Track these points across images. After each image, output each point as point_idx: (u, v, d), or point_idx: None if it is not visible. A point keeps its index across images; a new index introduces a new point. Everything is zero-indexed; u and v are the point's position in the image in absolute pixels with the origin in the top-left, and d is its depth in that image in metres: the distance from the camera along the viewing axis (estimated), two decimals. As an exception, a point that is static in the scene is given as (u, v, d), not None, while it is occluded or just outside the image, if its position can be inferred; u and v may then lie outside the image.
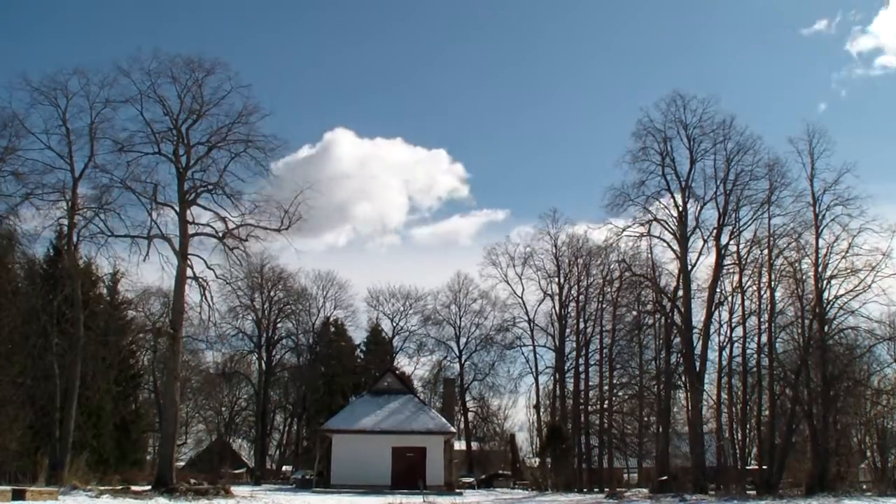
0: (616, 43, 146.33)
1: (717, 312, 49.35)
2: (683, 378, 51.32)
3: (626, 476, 68.44)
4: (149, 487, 35.36)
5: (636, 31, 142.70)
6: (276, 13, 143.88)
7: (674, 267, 49.03)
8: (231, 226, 39.02)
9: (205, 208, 39.77)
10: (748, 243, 47.37)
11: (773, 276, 46.35)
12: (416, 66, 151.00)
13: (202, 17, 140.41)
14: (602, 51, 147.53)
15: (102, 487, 32.40)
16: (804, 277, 45.65)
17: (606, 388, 59.86)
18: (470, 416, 70.81)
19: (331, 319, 72.59)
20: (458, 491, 46.74)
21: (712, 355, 49.59)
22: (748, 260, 47.65)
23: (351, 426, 48.27)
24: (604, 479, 57.55)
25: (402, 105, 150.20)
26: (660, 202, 47.34)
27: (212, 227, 39.33)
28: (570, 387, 61.23)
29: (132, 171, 38.12)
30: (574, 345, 61.51)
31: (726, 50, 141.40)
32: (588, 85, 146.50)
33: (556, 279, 62.08)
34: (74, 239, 38.65)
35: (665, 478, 47.31)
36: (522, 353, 66.24)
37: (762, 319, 47.13)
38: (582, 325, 61.18)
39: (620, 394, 61.68)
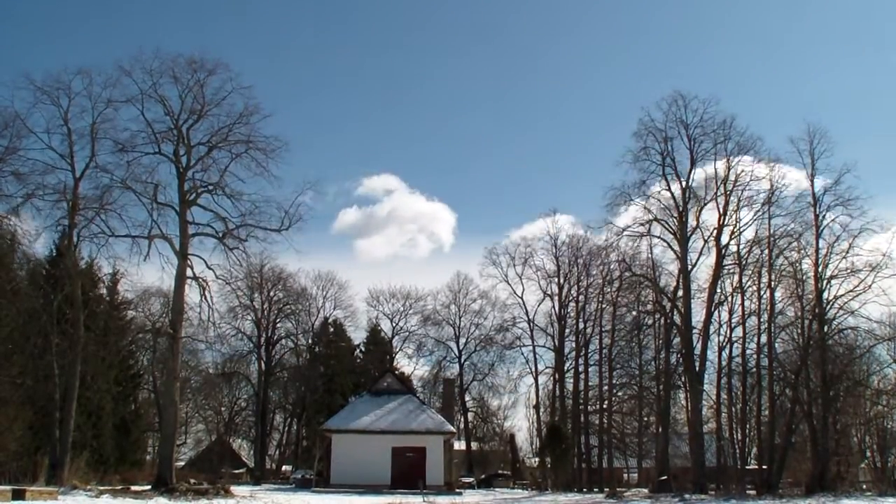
0: (617, 43, 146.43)
1: (716, 312, 49.59)
2: (683, 378, 51.35)
3: (625, 476, 68.50)
4: (149, 487, 35.30)
5: (637, 32, 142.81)
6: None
7: (674, 267, 49.14)
8: (231, 226, 39.08)
9: (205, 208, 39.81)
10: (748, 243, 47.49)
11: (773, 277, 46.41)
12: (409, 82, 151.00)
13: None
14: (603, 51, 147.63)
15: (102, 487, 32.37)
16: (804, 278, 45.74)
17: (606, 388, 59.90)
18: (469, 416, 70.88)
19: (330, 319, 72.67)
20: (457, 491, 46.72)
21: (712, 355, 49.79)
22: (748, 260, 47.76)
23: (350, 426, 48.29)
24: (604, 479, 57.57)
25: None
26: (660, 202, 47.36)
27: (212, 227, 39.39)
28: (570, 387, 61.25)
29: (133, 171, 38.10)
30: (574, 345, 61.59)
31: (727, 50, 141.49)
32: (588, 85, 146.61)
33: (556, 279, 62.18)
34: (75, 239, 38.55)
35: (665, 478, 47.31)
36: (522, 354, 66.29)
37: (762, 320, 47.22)
38: (581, 326, 61.25)
39: (620, 394, 61.73)
